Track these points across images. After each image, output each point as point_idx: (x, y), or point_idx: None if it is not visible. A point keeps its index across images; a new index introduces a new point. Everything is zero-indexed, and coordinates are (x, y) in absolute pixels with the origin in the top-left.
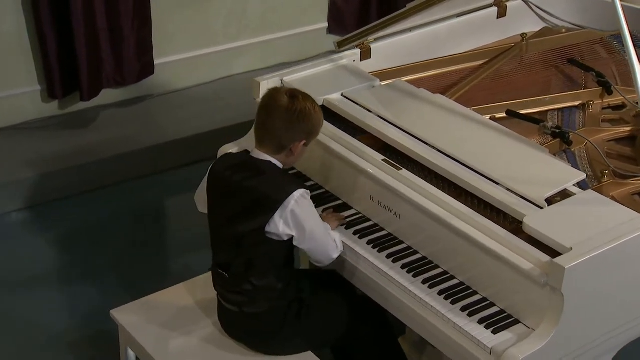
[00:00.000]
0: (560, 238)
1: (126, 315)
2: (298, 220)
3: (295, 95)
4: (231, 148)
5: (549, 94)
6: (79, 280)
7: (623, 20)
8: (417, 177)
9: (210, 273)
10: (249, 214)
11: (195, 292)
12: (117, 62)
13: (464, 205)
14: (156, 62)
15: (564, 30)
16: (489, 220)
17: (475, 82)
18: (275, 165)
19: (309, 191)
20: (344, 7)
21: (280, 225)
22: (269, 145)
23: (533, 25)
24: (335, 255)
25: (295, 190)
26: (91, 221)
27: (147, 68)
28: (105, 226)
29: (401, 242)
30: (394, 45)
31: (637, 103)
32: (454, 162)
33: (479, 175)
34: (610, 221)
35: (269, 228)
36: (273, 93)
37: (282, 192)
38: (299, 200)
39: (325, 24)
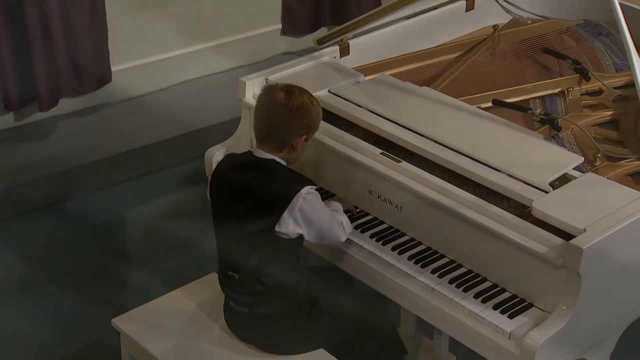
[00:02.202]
0: (572, 220)
1: (129, 323)
2: (307, 217)
3: (291, 90)
4: (218, 150)
5: (526, 83)
6: (54, 295)
7: (621, 15)
8: (418, 168)
9: (209, 275)
10: (258, 214)
11: (196, 295)
12: (74, 70)
13: (470, 194)
14: (113, 69)
15: (529, 22)
16: (497, 207)
17: (454, 74)
18: (279, 163)
19: (314, 185)
20: (297, 8)
21: (290, 225)
22: (271, 144)
23: (501, 18)
24: (344, 239)
25: (302, 187)
26: (58, 235)
27: (104, 75)
28: (73, 239)
29: (403, 234)
30: (369, 42)
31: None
32: (453, 152)
33: (479, 164)
34: (616, 201)
35: (279, 227)
36: (269, 90)
37: (289, 190)
38: (307, 197)
39: (279, 26)
